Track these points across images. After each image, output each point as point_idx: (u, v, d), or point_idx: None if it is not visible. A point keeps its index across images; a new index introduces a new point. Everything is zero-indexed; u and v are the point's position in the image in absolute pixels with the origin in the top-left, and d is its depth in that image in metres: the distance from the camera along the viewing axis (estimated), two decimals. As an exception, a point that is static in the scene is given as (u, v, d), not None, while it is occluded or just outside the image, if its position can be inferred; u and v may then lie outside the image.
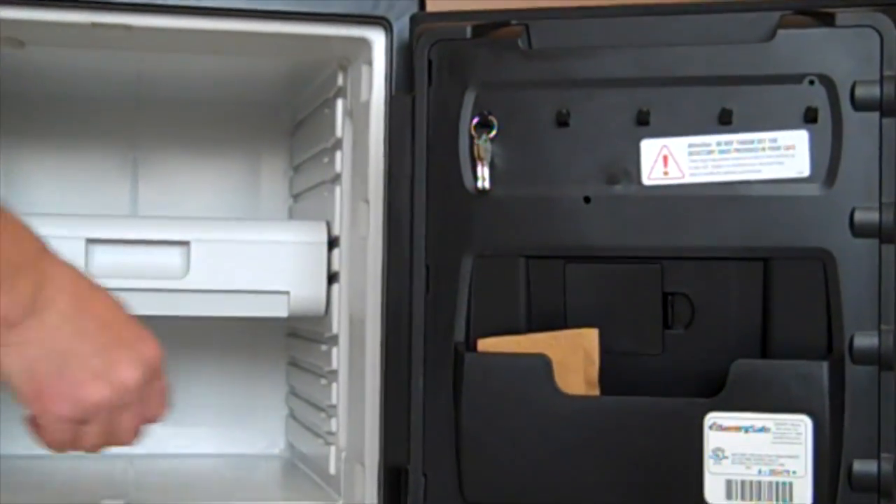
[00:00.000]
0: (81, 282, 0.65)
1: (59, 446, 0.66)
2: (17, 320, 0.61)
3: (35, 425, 0.66)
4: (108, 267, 0.88)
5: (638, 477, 0.72)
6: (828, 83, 0.71)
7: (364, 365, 0.83)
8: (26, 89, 1.03)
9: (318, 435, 0.97)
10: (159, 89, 1.09)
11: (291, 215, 1.14)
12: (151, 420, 0.68)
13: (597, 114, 0.74)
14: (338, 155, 0.92)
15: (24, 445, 1.04)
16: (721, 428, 0.70)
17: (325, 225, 0.92)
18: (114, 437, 0.66)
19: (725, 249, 0.72)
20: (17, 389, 0.64)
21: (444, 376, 0.76)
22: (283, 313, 0.91)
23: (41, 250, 0.63)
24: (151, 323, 1.07)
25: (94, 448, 0.67)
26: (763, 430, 0.70)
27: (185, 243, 0.89)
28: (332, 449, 0.91)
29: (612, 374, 0.74)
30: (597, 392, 0.73)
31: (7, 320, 0.61)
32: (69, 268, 0.64)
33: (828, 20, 0.71)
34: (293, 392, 1.12)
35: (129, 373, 0.64)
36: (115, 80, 1.05)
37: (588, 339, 0.73)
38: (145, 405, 0.66)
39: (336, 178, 0.92)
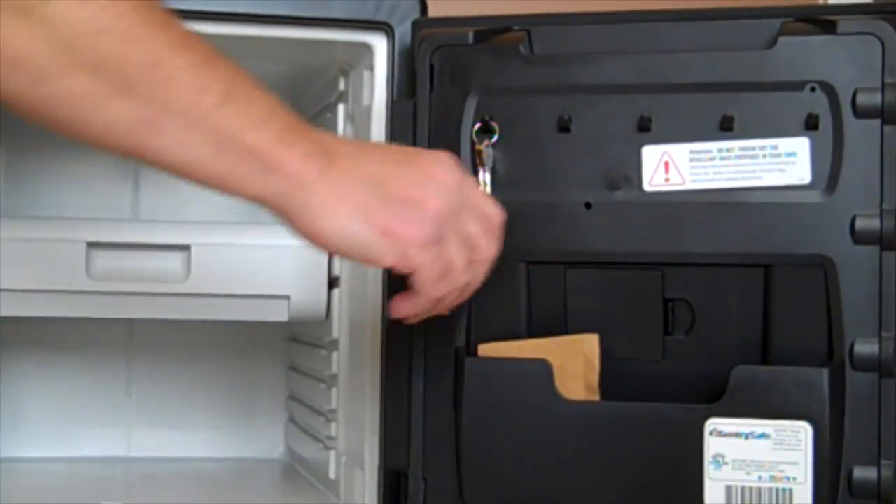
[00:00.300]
0: (358, 152, 0.62)
1: (438, 282, 0.62)
2: (320, 175, 0.59)
3: (404, 296, 0.63)
4: (108, 271, 0.88)
5: (638, 482, 0.72)
6: (829, 90, 0.71)
7: (364, 369, 0.83)
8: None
9: (318, 439, 0.97)
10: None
11: None
12: (494, 228, 0.65)
13: (598, 120, 0.74)
14: (339, 159, 0.92)
15: (23, 448, 1.07)
16: (721, 434, 0.70)
17: None
18: (474, 251, 0.63)
19: (726, 256, 0.72)
20: (362, 249, 0.60)
21: (444, 381, 0.76)
22: (284, 318, 0.91)
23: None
24: (152, 326, 1.10)
25: (467, 274, 0.63)
26: (763, 436, 0.70)
27: (186, 247, 0.89)
28: (332, 453, 0.91)
29: (612, 379, 0.74)
30: (597, 397, 0.73)
31: (310, 175, 0.58)
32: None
33: (829, 28, 0.71)
34: (293, 396, 1.12)
35: (443, 173, 0.62)
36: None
37: (589, 344, 0.73)
38: (478, 212, 0.63)
39: None
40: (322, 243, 0.60)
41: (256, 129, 0.57)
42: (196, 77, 0.56)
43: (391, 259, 0.61)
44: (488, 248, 0.65)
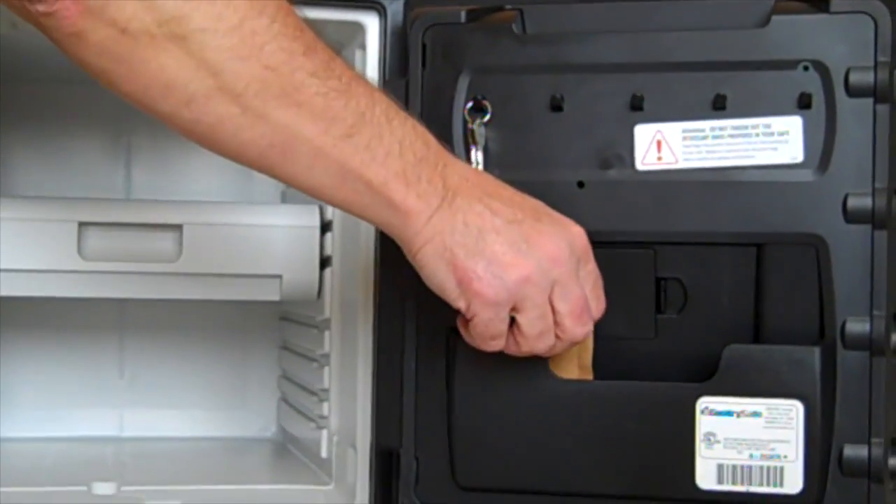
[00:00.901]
0: (481, 172, 0.66)
1: (492, 340, 0.65)
2: (431, 213, 0.62)
3: (464, 323, 0.66)
4: (100, 250, 0.88)
5: (630, 461, 0.72)
6: (822, 69, 0.71)
7: (356, 349, 0.83)
8: (20, 71, 1.03)
9: (309, 418, 0.97)
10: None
11: (284, 199, 1.13)
12: (593, 312, 0.66)
13: (591, 99, 0.74)
14: (330, 139, 0.91)
15: (15, 428, 1.07)
16: (713, 412, 0.70)
17: (318, 209, 0.92)
18: (550, 328, 0.65)
19: (718, 235, 0.72)
20: (441, 286, 0.63)
21: (436, 360, 0.75)
22: (276, 297, 0.90)
23: (440, 143, 0.63)
24: (144, 306, 1.10)
25: (536, 340, 0.65)
26: (755, 414, 0.70)
27: (178, 227, 0.88)
28: (324, 432, 0.91)
29: (604, 358, 0.74)
30: (590, 377, 0.73)
31: (422, 216, 0.62)
32: (464, 162, 0.65)
33: (822, 6, 0.71)
34: (285, 376, 1.11)
35: (552, 245, 0.63)
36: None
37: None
38: (581, 288, 0.64)
39: None
40: (418, 271, 0.65)
41: (378, 165, 0.61)
42: (327, 107, 0.59)
43: (460, 304, 0.64)
44: (572, 330, 0.66)
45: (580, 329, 0.66)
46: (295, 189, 0.64)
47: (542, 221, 0.64)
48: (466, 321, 0.66)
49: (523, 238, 0.63)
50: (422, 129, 0.63)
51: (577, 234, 0.65)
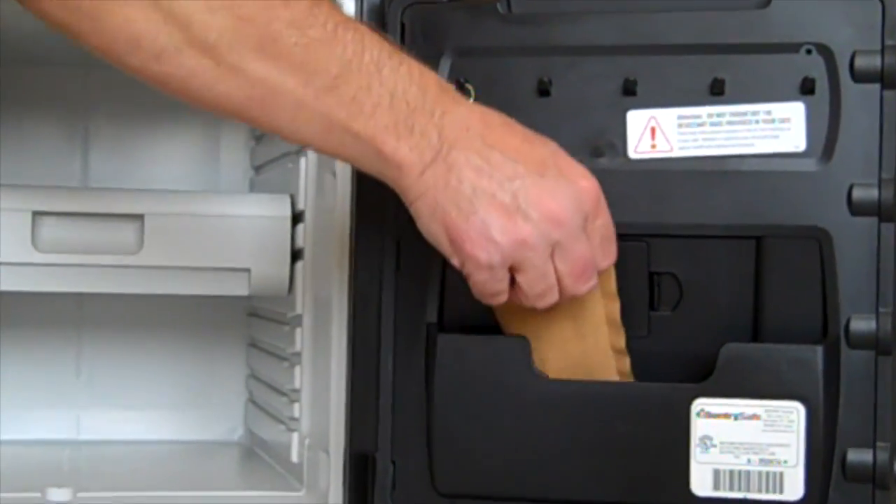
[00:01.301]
0: (488, 115, 0.63)
1: (491, 297, 0.65)
2: (424, 167, 0.61)
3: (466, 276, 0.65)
4: (56, 242, 0.87)
5: (621, 466, 0.70)
6: (826, 53, 0.70)
7: (329, 347, 0.82)
8: (-32, 51, 1.01)
9: (279, 421, 0.96)
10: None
11: (253, 188, 1.13)
12: (597, 267, 0.65)
13: (580, 83, 0.73)
14: (303, 125, 0.90)
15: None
16: (709, 415, 0.69)
17: (289, 198, 0.91)
18: (552, 287, 0.64)
19: (716, 227, 0.71)
20: (435, 242, 0.63)
21: (415, 359, 0.74)
22: (244, 292, 0.90)
23: (441, 87, 0.62)
24: (103, 301, 1.09)
25: (536, 299, 0.64)
26: (753, 417, 0.69)
27: (139, 217, 0.88)
28: (295, 435, 0.90)
29: None
30: (622, 334, 0.71)
31: (414, 169, 0.61)
32: (471, 104, 0.64)
33: (827, -15, 0.70)
34: (254, 375, 1.11)
35: (554, 204, 0.61)
36: (65, 39, 1.01)
37: (605, 274, 0.69)
38: (585, 247, 0.64)
39: (301, 149, 0.91)
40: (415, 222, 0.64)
41: (366, 118, 0.60)
42: (308, 59, 0.59)
43: (454, 261, 0.64)
44: (574, 288, 0.65)
45: (581, 286, 0.65)
46: (284, 140, 0.63)
47: (545, 177, 0.62)
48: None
49: (523, 197, 0.61)
50: (419, 74, 0.62)
51: (585, 189, 0.63)
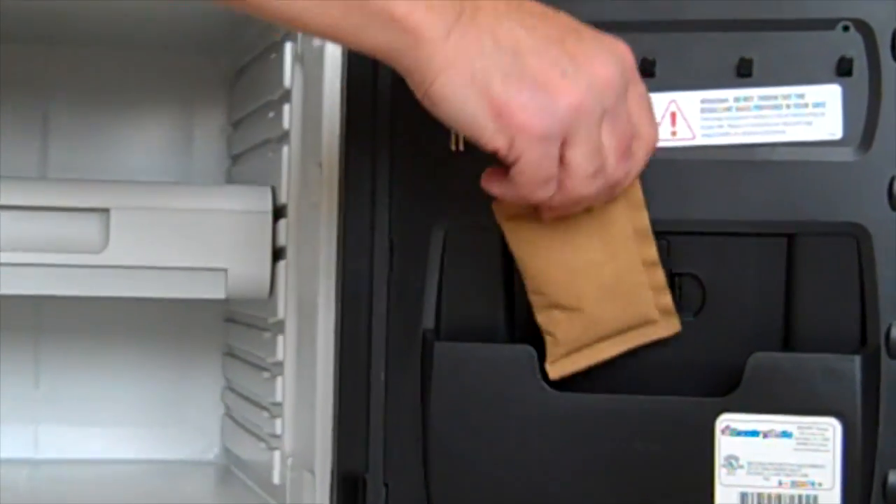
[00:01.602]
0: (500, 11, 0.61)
1: (544, 184, 0.62)
2: (448, 29, 0.58)
3: (498, 176, 0.63)
4: (12, 239, 0.87)
5: (638, 488, 0.71)
6: (865, 30, 0.70)
7: (315, 356, 0.82)
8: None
9: (259, 438, 0.97)
10: (75, 29, 1.08)
11: (230, 179, 1.13)
12: (645, 142, 0.64)
13: None
14: (285, 109, 0.91)
15: None
16: (735, 432, 0.70)
17: (270, 191, 0.91)
18: (604, 165, 0.62)
19: (743, 223, 0.72)
20: (471, 123, 0.60)
21: (409, 369, 0.75)
22: (220, 295, 0.90)
23: None
24: (64, 305, 1.09)
25: (584, 184, 0.62)
26: (784, 434, 0.69)
27: (104, 211, 0.88)
28: (277, 454, 0.90)
29: (608, 367, 0.73)
30: (653, 246, 0.71)
31: (435, 32, 0.58)
32: None
33: (866, -44, 0.71)
34: (231, 387, 1.11)
35: (602, 67, 0.61)
36: (23, 16, 1.02)
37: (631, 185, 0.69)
38: (630, 119, 0.63)
39: (283, 137, 0.91)
40: (433, 110, 0.60)
41: None
42: None
43: (499, 142, 0.60)
44: (615, 171, 0.63)
45: (622, 168, 0.64)
46: (275, 20, 0.60)
47: (584, 40, 0.62)
48: (501, 173, 0.63)
49: (568, 59, 0.60)
50: None
51: (624, 51, 0.63)
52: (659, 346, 0.73)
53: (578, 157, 0.61)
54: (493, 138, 0.60)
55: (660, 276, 0.71)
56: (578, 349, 0.72)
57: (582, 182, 0.63)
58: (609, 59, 0.62)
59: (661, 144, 0.71)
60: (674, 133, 0.72)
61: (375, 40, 0.59)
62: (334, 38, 0.61)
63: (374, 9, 0.58)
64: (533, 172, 0.62)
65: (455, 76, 0.59)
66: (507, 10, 0.60)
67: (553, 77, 0.60)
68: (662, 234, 0.73)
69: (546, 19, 0.62)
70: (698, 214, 0.72)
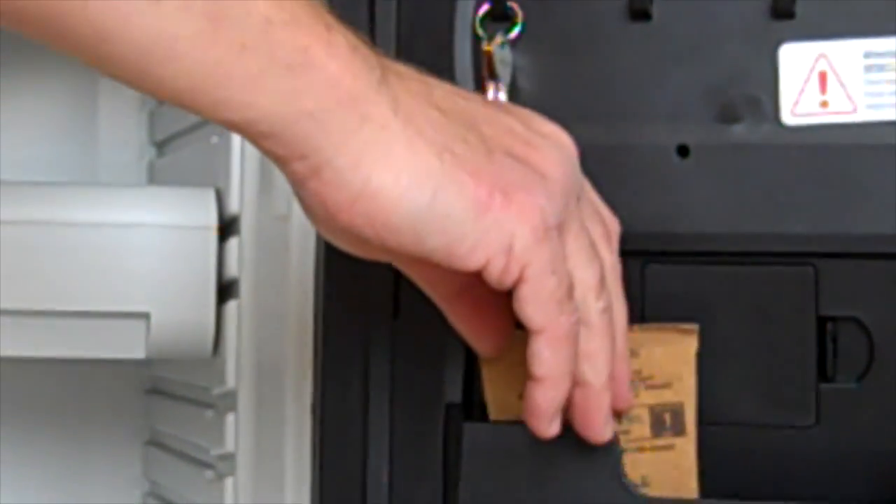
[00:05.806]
0: (426, 78, 0.65)
1: (567, 301, 0.65)
2: (375, 87, 0.61)
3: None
4: None
5: None
6: None
7: (283, 446, 0.83)
8: None
9: None
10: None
11: (152, 177, 1.15)
12: (612, 234, 0.72)
13: None
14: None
15: None
16: None
17: (214, 195, 0.93)
18: (595, 256, 0.68)
19: None
20: (448, 225, 0.62)
21: (427, 462, 0.76)
22: (139, 354, 0.92)
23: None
24: None
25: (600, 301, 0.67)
26: None
27: None
28: None
29: (722, 462, 0.74)
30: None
31: (361, 89, 0.60)
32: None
33: None
34: (156, 493, 1.13)
35: (559, 136, 0.68)
36: None
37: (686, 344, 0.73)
38: (594, 207, 0.70)
39: None
40: (372, 218, 0.62)
41: (277, 9, 0.60)
42: None
43: (492, 248, 0.63)
44: (609, 258, 0.70)
45: (613, 256, 0.71)
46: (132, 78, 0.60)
47: (518, 109, 0.69)
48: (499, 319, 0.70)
49: (523, 124, 0.67)
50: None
51: (570, 146, 0.69)
52: (803, 429, 0.74)
53: (576, 255, 0.67)
54: (480, 242, 0.63)
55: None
56: None
57: (587, 286, 0.68)
58: (554, 147, 0.67)
59: (804, 120, 0.74)
60: (824, 104, 0.73)
61: (277, 98, 0.61)
62: (209, 101, 0.62)
63: (283, 46, 0.60)
64: (552, 282, 0.65)
65: (412, 151, 0.62)
66: (427, 81, 0.65)
67: (524, 149, 0.66)
68: (808, 257, 0.74)
69: (468, 94, 0.70)
70: (862, 227, 0.73)
